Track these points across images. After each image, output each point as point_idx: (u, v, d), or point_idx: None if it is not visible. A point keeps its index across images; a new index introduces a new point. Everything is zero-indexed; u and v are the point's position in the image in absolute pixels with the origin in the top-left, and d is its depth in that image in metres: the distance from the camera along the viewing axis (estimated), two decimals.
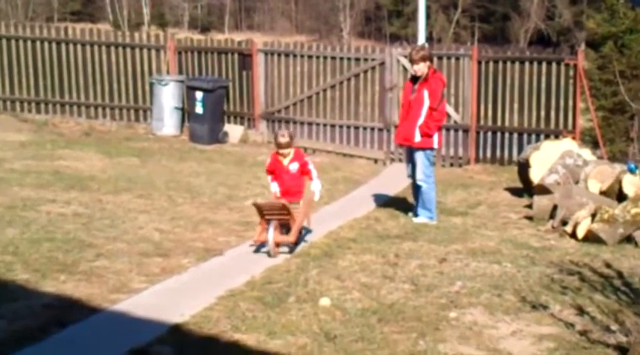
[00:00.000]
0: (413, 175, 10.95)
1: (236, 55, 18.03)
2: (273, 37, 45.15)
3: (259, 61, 17.74)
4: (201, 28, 75.70)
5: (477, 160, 16.24)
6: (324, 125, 17.30)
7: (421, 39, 19.51)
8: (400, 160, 16.32)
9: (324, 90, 17.30)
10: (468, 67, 16.13)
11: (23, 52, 18.63)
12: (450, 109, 16.09)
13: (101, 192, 11.63)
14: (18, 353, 5.81)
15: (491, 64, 16.10)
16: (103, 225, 9.70)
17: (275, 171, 9.49)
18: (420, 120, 10.57)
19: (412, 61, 10.79)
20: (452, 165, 16.27)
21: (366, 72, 16.87)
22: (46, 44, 18.66)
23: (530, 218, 11.18)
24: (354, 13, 74.74)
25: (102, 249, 8.67)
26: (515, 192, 13.23)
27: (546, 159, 12.60)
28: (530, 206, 11.62)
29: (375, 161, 16.62)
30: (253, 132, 17.88)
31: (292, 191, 9.44)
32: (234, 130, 17.79)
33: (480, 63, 16.11)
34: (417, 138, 10.63)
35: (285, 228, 9.05)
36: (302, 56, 17.50)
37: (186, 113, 18.06)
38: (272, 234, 8.75)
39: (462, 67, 16.19)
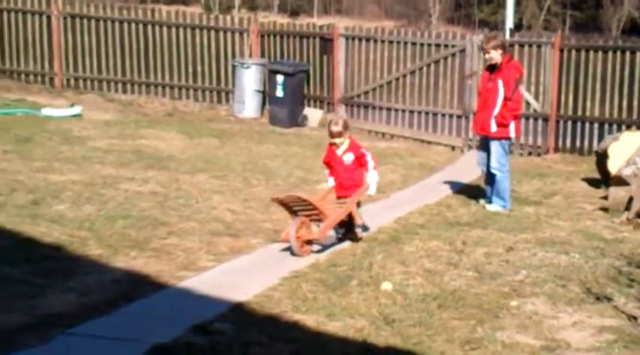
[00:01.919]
0: (486, 163, 10.93)
1: (317, 40, 18.16)
2: (361, 22, 45.16)
3: (340, 45, 17.83)
4: (291, 11, 75.96)
5: (557, 150, 16.08)
6: (403, 111, 17.32)
7: (509, 25, 19.35)
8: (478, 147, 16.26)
9: (404, 76, 17.31)
10: (549, 56, 15.96)
11: (111, 33, 19.05)
12: (530, 98, 15.97)
13: (179, 171, 11.88)
14: (85, 325, 6.03)
15: (573, 53, 15.91)
16: (177, 204, 9.94)
17: (330, 162, 8.96)
18: (496, 111, 10.56)
19: (484, 50, 10.78)
20: (530, 153, 16.15)
21: (446, 58, 16.83)
22: (133, 25, 19.05)
23: (605, 209, 11.06)
24: None
25: (174, 227, 8.89)
26: (592, 182, 13.08)
27: (625, 150, 12.41)
28: (606, 197, 11.49)
29: (453, 148, 16.60)
30: (332, 116, 17.96)
31: (346, 184, 8.85)
32: (313, 114, 17.94)
33: (562, 51, 15.93)
34: (494, 128, 10.63)
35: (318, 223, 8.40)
36: (382, 41, 17.53)
37: (266, 96, 18.28)
38: (293, 231, 8.04)
39: (544, 55, 16.03)
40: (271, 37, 18.71)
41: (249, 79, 17.99)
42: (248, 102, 18.13)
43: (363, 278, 7.56)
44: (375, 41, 17.60)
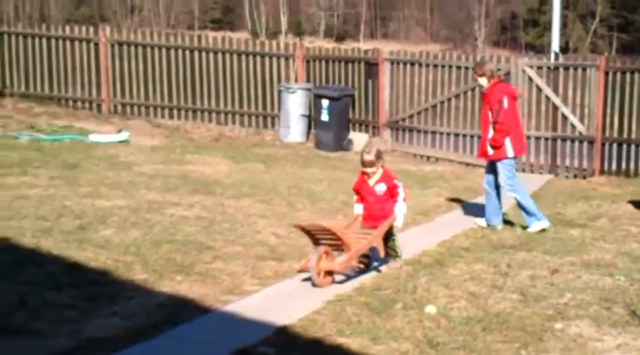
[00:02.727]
0: (492, 183, 11.09)
1: (362, 64, 18.24)
2: (407, 46, 45.23)
3: (385, 69, 17.90)
4: (337, 36, 76.36)
5: (602, 172, 15.97)
6: (448, 134, 17.32)
7: (555, 48, 19.33)
8: (523, 170, 16.23)
9: (449, 100, 17.33)
10: (594, 78, 15.88)
11: (158, 60, 19.30)
12: (574, 120, 15.90)
13: (224, 196, 11.97)
14: (129, 349, 6.09)
15: (618, 75, 15.81)
16: (222, 229, 10.00)
17: (360, 191, 8.72)
18: (489, 135, 10.86)
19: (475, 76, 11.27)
20: (575, 176, 16.04)
21: None
22: (180, 52, 19.29)
23: None
24: (490, 21, 74.10)
25: (219, 251, 8.95)
26: (638, 205, 12.95)
27: None
28: None
29: None
30: (377, 141, 18.02)
31: (375, 215, 8.59)
32: (358, 138, 17.99)
33: (607, 73, 15.85)
34: (490, 151, 10.90)
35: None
36: (427, 65, 17.57)
37: (312, 120, 18.38)
38: (314, 260, 7.83)
39: (589, 78, 15.95)
40: (316, 61, 18.84)
41: (295, 104, 18.12)
42: (294, 126, 18.25)
43: (407, 301, 7.55)
44: (420, 65, 17.64)
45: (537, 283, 8.29)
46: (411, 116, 17.79)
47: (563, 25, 36.01)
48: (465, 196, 13.42)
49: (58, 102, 19.51)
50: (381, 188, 8.55)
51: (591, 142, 15.98)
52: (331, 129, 17.76)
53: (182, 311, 6.96)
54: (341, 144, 17.73)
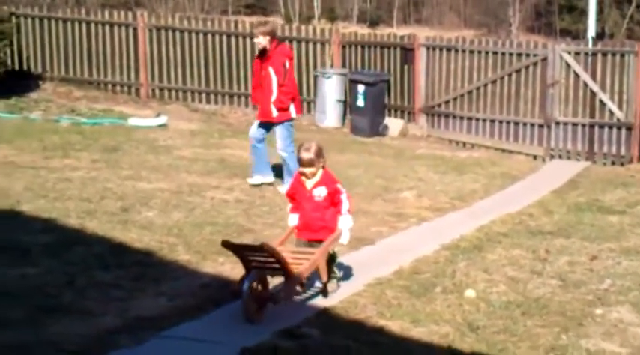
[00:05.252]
0: (258, 138, 11.35)
1: (398, 50, 18.25)
2: (440, 32, 45.09)
3: (421, 55, 17.89)
4: (370, 22, 76.13)
5: None
6: (484, 120, 17.28)
7: (591, 34, 19.24)
8: (560, 157, 16.19)
9: (485, 85, 17.28)
10: (633, 64, 15.77)
11: (195, 45, 19.39)
12: (613, 106, 15.81)
13: None
14: (176, 328, 6.23)
15: None
16: (261, 212, 10.13)
17: (295, 196, 7.36)
18: (273, 97, 11.00)
19: (253, 36, 11.37)
20: (613, 163, 15.95)
21: (527, 67, 16.74)
22: (217, 37, 19.37)
23: None
24: (524, 7, 73.57)
25: (259, 234, 9.06)
26: None
27: None
28: None
29: (534, 157, 16.51)
30: (413, 126, 18.05)
31: (314, 226, 7.20)
32: (394, 124, 18.02)
33: None
34: (275, 113, 11.08)
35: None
36: (464, 51, 17.54)
37: (348, 106, 18.43)
38: (247, 288, 6.37)
39: (627, 64, 15.85)
40: (352, 47, 18.87)
41: (331, 89, 18.18)
42: (329, 111, 18.31)
43: (446, 285, 7.64)
44: (456, 51, 17.62)
45: (576, 269, 8.35)
46: (447, 102, 17.77)
47: (599, 11, 35.64)
48: (501, 182, 13.43)
49: (98, 86, 19.68)
50: (320, 192, 7.22)
51: (629, 129, 15.88)
52: (367, 115, 17.80)
53: (225, 291, 7.06)
54: (377, 129, 17.77)
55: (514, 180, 13.82)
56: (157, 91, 19.59)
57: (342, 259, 8.28)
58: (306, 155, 7.20)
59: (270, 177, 11.48)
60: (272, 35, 11.10)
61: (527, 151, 16.65)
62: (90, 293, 6.86)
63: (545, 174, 14.67)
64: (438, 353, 6.13)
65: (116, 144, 13.95)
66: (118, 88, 19.65)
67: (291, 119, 11.26)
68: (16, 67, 19.47)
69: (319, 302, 7.01)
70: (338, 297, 7.12)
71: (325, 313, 6.80)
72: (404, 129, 17.95)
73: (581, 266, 8.43)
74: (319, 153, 7.27)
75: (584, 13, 32.36)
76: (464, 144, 17.41)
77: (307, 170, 7.22)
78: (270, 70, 10.98)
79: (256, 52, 11.43)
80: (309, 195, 7.22)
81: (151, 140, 14.67)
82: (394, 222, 10.15)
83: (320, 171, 7.28)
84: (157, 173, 11.89)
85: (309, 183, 7.25)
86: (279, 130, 11.24)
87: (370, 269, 8.01)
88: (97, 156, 12.78)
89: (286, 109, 11.10)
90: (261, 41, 11.02)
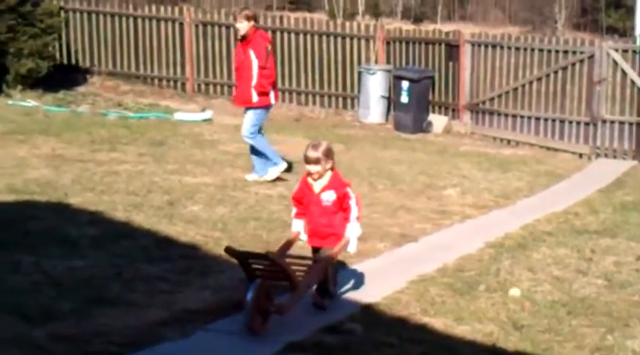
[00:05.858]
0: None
1: (443, 46, 18.21)
2: (485, 28, 44.82)
3: (466, 52, 17.84)
4: (414, 17, 75.88)
5: None
6: (529, 117, 17.21)
7: (638, 32, 19.06)
8: (606, 155, 16.07)
9: (530, 83, 17.20)
10: None
11: None
12: None
13: None
14: (222, 321, 6.28)
15: None
16: None
17: (302, 201, 6.91)
18: (254, 81, 10.87)
19: (235, 21, 11.28)
20: None
21: (574, 65, 16.63)
22: None
23: None
24: (570, 3, 72.90)
25: None
26: None
27: None
28: None
29: (580, 155, 16.39)
30: (457, 123, 18.01)
31: (323, 232, 6.77)
32: (438, 120, 17.99)
33: None
34: (255, 98, 10.98)
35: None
36: (509, 48, 17.47)
37: (391, 102, 18.42)
38: (251, 298, 6.02)
39: None
40: (397, 43, 18.86)
41: (375, 85, 18.19)
42: (373, 107, 18.32)
43: (490, 283, 7.62)
44: (502, 48, 17.55)
45: (622, 269, 8.28)
46: (492, 99, 17.71)
47: None
48: (546, 180, 13.36)
49: (144, 80, 19.85)
50: (328, 197, 6.72)
51: None
52: (411, 111, 17.77)
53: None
54: (420, 126, 17.74)
55: (559, 178, 13.74)
56: (203, 86, 19.73)
57: (384, 255, 8.32)
58: (313, 153, 6.64)
59: (283, 164, 11.43)
60: (254, 20, 11.10)
61: (572, 149, 16.55)
62: (136, 285, 6.92)
63: (591, 173, 14.57)
64: (481, 351, 6.11)
65: (162, 138, 14.06)
66: (164, 82, 19.83)
67: (269, 106, 11.22)
68: (65, 61, 19.73)
69: (362, 298, 7.02)
70: (381, 294, 7.13)
71: (368, 309, 6.82)
72: (448, 126, 17.91)
73: (627, 267, 8.37)
74: (328, 153, 6.70)
75: (631, 10, 32.02)
76: (508, 141, 17.35)
77: (313, 169, 6.69)
78: (251, 53, 10.89)
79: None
80: (317, 200, 6.74)
81: (196, 134, 14.78)
82: (437, 219, 10.14)
83: (328, 174, 6.74)
84: (202, 167, 11.98)
85: (316, 187, 6.75)
86: (250, 115, 11.18)
87: (413, 267, 8.01)
88: (144, 150, 12.89)
89: (267, 94, 11.03)
90: (244, 26, 10.92)
